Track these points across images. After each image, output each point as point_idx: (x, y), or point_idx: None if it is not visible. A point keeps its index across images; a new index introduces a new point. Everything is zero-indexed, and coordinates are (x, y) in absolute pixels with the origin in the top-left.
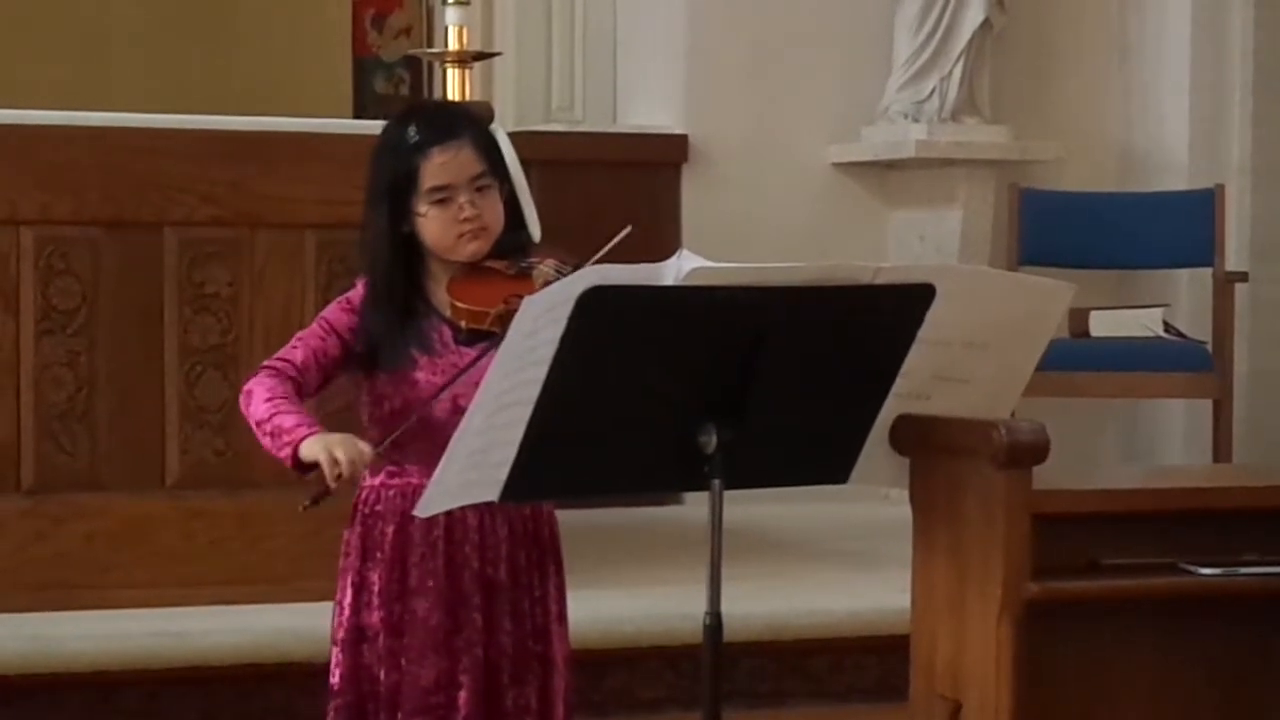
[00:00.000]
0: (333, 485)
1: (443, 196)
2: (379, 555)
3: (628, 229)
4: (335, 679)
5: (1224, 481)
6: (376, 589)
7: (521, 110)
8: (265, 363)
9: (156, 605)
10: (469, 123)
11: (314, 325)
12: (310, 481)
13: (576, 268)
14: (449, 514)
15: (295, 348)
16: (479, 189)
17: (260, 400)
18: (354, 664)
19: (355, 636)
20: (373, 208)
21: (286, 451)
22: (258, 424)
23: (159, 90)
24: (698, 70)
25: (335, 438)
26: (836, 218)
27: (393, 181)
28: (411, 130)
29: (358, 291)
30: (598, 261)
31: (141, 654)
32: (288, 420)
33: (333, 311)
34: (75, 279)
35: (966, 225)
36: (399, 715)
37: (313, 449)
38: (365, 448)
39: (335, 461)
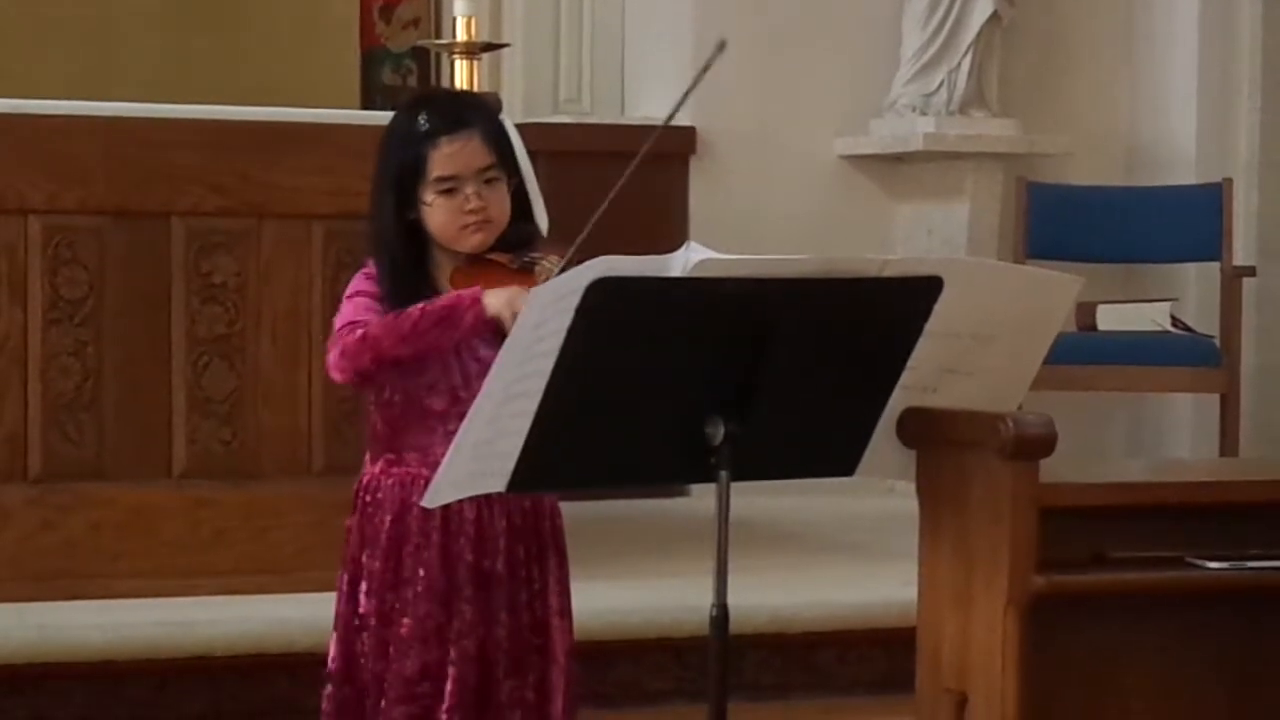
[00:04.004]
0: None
1: (449, 186)
2: (377, 544)
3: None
4: (331, 665)
5: (1231, 475)
6: (373, 577)
7: (529, 102)
8: (343, 336)
9: (162, 595)
10: (480, 114)
11: (359, 300)
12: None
13: (582, 260)
14: (446, 506)
15: (361, 320)
16: (486, 181)
17: (388, 319)
18: (349, 652)
19: (352, 625)
20: (380, 195)
21: (469, 318)
22: (407, 334)
23: (167, 80)
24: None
25: (507, 290)
26: (844, 210)
27: (400, 169)
28: (422, 118)
29: (369, 267)
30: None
31: (147, 643)
32: (441, 301)
33: (361, 282)
34: (83, 268)
35: (974, 218)
36: (383, 703)
37: (495, 304)
38: (526, 294)
39: (518, 311)
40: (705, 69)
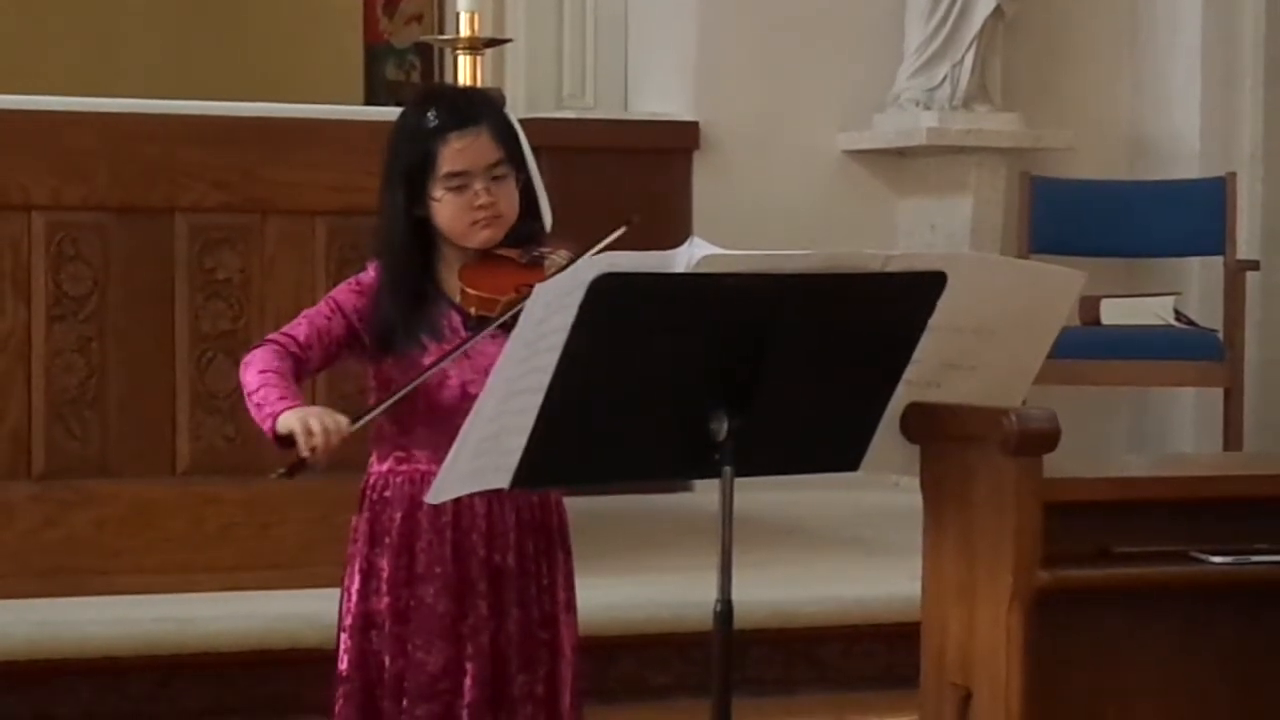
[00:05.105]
0: (306, 455)
1: (459, 183)
2: (387, 541)
3: (635, 219)
4: (344, 665)
5: (1235, 470)
6: (384, 575)
7: (532, 97)
8: (268, 336)
9: (166, 591)
10: (489, 109)
11: (320, 304)
12: (287, 453)
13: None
14: (457, 501)
15: (299, 324)
16: (495, 177)
17: (255, 371)
18: (362, 650)
19: (363, 623)
20: (388, 191)
21: (267, 424)
22: (248, 394)
23: (170, 76)
24: (709, 57)
25: (312, 410)
26: (847, 205)
27: (409, 165)
28: (431, 114)
29: (368, 274)
30: (602, 250)
31: (151, 639)
32: (273, 393)
33: (341, 292)
34: (86, 265)
35: (977, 213)
36: (405, 701)
37: (289, 421)
38: (342, 420)
39: (310, 432)
40: (606, 244)
